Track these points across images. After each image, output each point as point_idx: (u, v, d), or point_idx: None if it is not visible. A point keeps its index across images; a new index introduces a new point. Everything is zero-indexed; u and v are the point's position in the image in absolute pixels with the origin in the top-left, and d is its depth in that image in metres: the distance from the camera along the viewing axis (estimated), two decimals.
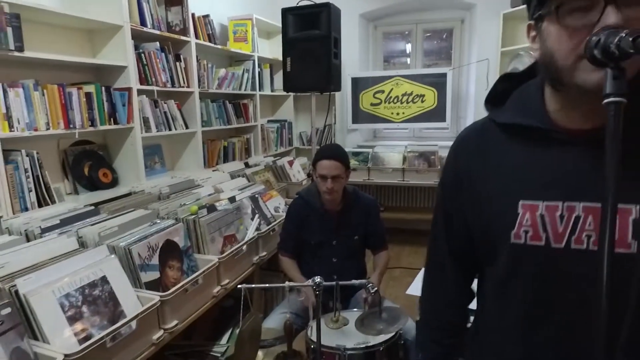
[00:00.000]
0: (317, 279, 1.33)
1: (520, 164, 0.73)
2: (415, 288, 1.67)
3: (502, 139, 0.76)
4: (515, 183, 0.73)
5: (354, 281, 1.44)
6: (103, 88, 2.26)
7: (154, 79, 2.61)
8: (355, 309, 1.82)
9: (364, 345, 1.52)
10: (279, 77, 4.09)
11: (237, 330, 1.39)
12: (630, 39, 0.50)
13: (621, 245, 0.64)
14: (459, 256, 0.87)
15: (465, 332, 0.94)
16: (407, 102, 4.36)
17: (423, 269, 1.92)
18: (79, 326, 1.28)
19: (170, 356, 1.85)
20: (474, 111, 4.40)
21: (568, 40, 0.60)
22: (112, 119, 2.32)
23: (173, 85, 2.77)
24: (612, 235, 0.50)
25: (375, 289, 1.48)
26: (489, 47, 4.03)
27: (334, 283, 1.34)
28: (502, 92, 0.79)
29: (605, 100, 0.51)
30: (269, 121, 4.28)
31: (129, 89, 2.39)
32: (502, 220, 0.73)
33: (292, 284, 1.41)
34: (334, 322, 1.63)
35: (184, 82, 2.88)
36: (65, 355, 1.16)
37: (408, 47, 4.83)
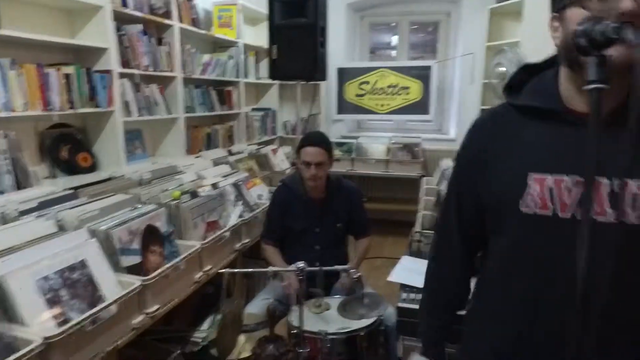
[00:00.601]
0: (300, 264, 1.34)
1: (532, 141, 0.79)
2: (396, 276, 1.69)
3: (517, 119, 0.81)
4: (526, 157, 0.78)
5: (337, 267, 1.45)
6: (83, 70, 2.20)
7: (135, 63, 2.55)
8: (337, 296, 1.84)
9: (345, 330, 1.54)
10: (264, 65, 4.06)
11: (218, 316, 1.39)
12: (614, 26, 0.52)
13: (625, 216, 0.69)
14: (467, 231, 0.93)
15: (461, 317, 0.99)
16: (392, 94, 4.38)
17: (403, 257, 1.95)
18: (57, 309, 1.26)
19: (151, 341, 1.84)
20: (458, 104, 4.44)
21: None
22: (92, 102, 2.26)
23: (155, 69, 2.72)
24: (590, 204, 0.55)
25: (358, 274, 1.50)
26: (474, 42, 4.06)
27: (317, 269, 1.35)
28: (519, 81, 0.85)
29: (588, 87, 0.54)
30: (253, 109, 4.25)
31: (110, 72, 2.33)
32: (512, 191, 0.78)
33: (275, 268, 1.41)
34: (316, 307, 1.64)
35: (167, 67, 2.83)
36: (45, 338, 1.14)
37: (394, 40, 4.84)
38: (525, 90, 0.83)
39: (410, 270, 1.68)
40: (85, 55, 2.34)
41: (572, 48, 0.64)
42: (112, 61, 2.33)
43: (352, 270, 1.47)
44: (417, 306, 1.33)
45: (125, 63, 2.48)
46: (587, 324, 0.57)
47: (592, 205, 0.55)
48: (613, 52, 0.56)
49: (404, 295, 1.58)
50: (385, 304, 1.52)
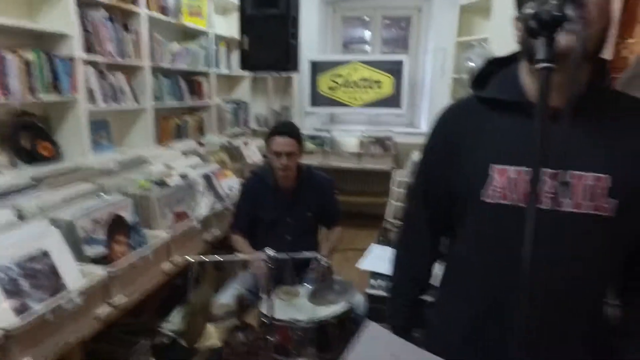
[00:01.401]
0: (269, 251, 1.33)
1: (496, 133, 0.81)
2: (366, 264, 1.71)
3: (482, 112, 0.84)
4: (489, 149, 0.81)
5: (305, 253, 1.45)
6: (44, 55, 2.11)
7: (100, 49, 2.47)
8: (307, 284, 1.84)
9: (316, 318, 1.55)
10: (235, 56, 4.00)
11: (187, 306, 1.38)
12: (555, 3, 0.55)
13: (576, 206, 0.74)
14: (433, 217, 0.95)
15: (425, 303, 1.02)
16: (365, 88, 4.41)
17: (372, 245, 1.97)
18: (17, 300, 1.22)
19: (118, 334, 1.80)
20: (429, 99, 4.52)
21: None
22: (54, 89, 2.17)
23: (122, 57, 2.64)
24: (535, 191, 0.56)
25: (327, 261, 1.51)
26: (445, 37, 4.12)
27: (286, 255, 1.35)
28: (485, 75, 0.87)
29: (537, 66, 0.55)
30: (225, 101, 4.18)
31: (73, 58, 2.25)
32: (476, 182, 0.81)
33: (243, 255, 1.40)
34: (285, 294, 1.64)
35: (134, 55, 2.75)
36: (5, 330, 1.10)
37: (367, 34, 4.86)
38: (490, 83, 0.85)
39: (380, 258, 1.71)
40: (46, 41, 2.24)
41: (528, 43, 0.66)
42: (75, 47, 2.25)
43: (320, 257, 1.48)
44: (386, 293, 1.36)
45: (89, 50, 2.40)
46: (530, 312, 0.59)
47: (536, 194, 0.56)
48: (560, 38, 0.57)
49: (373, 282, 1.60)
50: (355, 290, 1.53)
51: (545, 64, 0.55)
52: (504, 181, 0.77)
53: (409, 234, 1.03)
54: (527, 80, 0.80)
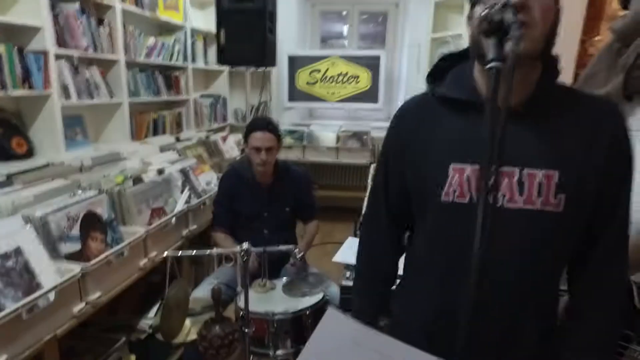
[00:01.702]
0: (245, 245, 1.36)
1: (452, 132, 0.83)
2: (340, 256, 1.76)
3: (439, 110, 0.85)
4: (447, 148, 0.82)
5: (280, 247, 1.48)
6: (15, 49, 2.07)
7: (73, 43, 2.43)
8: (284, 278, 1.88)
9: (291, 310, 1.58)
10: (213, 51, 3.98)
11: (163, 301, 1.39)
12: (498, 8, 0.59)
13: (529, 202, 0.76)
14: (394, 213, 0.97)
15: (392, 291, 1.04)
16: (342, 82, 4.45)
17: (348, 239, 2.01)
18: None
19: (95, 331, 1.80)
20: (405, 94, 4.58)
21: None
22: (26, 84, 2.14)
23: (95, 51, 2.60)
24: (486, 188, 0.59)
25: (302, 254, 1.54)
26: (420, 33, 4.19)
27: (261, 249, 1.38)
28: (441, 70, 0.88)
29: (488, 65, 0.59)
30: (202, 96, 4.16)
31: (45, 52, 2.21)
32: (434, 181, 0.82)
33: (219, 250, 1.43)
34: (261, 287, 1.67)
35: (109, 49, 2.71)
36: None
37: (345, 29, 4.89)
38: (446, 80, 0.86)
39: (354, 251, 1.75)
40: (17, 35, 2.19)
41: (479, 43, 0.69)
42: (47, 41, 2.21)
43: (295, 251, 1.51)
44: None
45: (62, 44, 2.36)
46: (480, 308, 0.61)
47: (491, 191, 0.59)
48: (507, 45, 0.60)
49: (347, 273, 1.65)
50: (330, 282, 1.58)
51: (495, 64, 0.58)
52: (461, 180, 0.79)
53: (371, 231, 1.04)
54: (480, 78, 0.81)
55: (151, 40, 3.18)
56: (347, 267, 1.72)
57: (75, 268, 1.44)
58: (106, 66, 2.78)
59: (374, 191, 1.02)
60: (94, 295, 1.52)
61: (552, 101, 0.79)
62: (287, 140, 4.24)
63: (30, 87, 2.16)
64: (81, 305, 1.48)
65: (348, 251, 1.81)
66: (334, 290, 1.73)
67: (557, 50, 0.79)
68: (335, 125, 4.47)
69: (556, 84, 0.81)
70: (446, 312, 0.85)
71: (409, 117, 0.92)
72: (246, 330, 1.42)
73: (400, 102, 4.34)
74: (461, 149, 0.80)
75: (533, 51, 0.71)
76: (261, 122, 2.04)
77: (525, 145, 0.77)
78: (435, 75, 0.89)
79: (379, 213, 0.99)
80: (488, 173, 0.59)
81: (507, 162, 0.77)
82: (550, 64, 0.80)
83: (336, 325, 0.74)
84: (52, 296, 1.34)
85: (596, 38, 2.45)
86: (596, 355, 0.84)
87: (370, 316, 1.01)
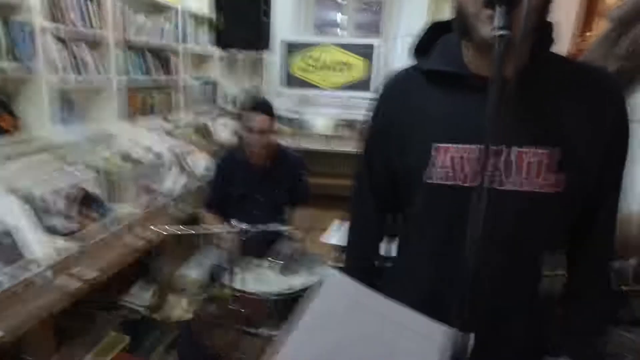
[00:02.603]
0: (235, 223, 1.33)
1: (438, 109, 0.77)
2: (329, 237, 1.76)
3: (424, 85, 0.80)
4: (431, 127, 0.77)
5: (276, 225, 1.46)
6: (1, 21, 1.99)
7: (62, 17, 2.35)
8: (278, 258, 1.85)
9: (287, 291, 1.57)
10: (205, 33, 3.90)
11: (156, 280, 1.37)
12: None
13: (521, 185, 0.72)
14: (378, 198, 0.92)
15: (380, 272, 0.99)
16: (337, 70, 4.41)
17: (335, 221, 2.00)
18: None
19: (89, 310, 1.76)
20: None
21: None
22: (12, 57, 2.06)
23: (85, 27, 2.52)
24: (485, 169, 0.56)
25: (299, 235, 1.53)
26: (416, 22, 4.16)
27: (257, 228, 1.36)
28: (427, 42, 0.83)
29: (494, 33, 0.56)
30: (194, 78, 4.08)
31: (32, 25, 2.13)
32: (417, 162, 0.77)
33: (206, 228, 1.40)
34: (253, 266, 1.65)
35: (99, 26, 2.63)
36: None
37: (339, 17, 4.85)
38: (432, 53, 0.81)
39: (342, 233, 1.75)
40: (3, 7, 2.11)
41: (463, 20, 0.67)
42: (34, 14, 2.13)
43: (291, 232, 1.50)
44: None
45: (50, 17, 2.28)
46: (472, 291, 0.59)
47: (485, 172, 0.55)
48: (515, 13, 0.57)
49: (336, 254, 1.63)
50: (323, 264, 1.57)
51: (504, 32, 0.55)
52: (447, 160, 0.74)
53: (356, 215, 0.99)
54: (465, 50, 0.76)
55: (142, 19, 3.10)
56: (336, 248, 1.71)
57: (68, 245, 1.41)
58: (96, 44, 2.70)
59: (358, 175, 0.96)
60: (87, 273, 1.49)
61: (547, 72, 0.73)
62: (280, 126, 4.20)
63: (17, 60, 2.08)
64: (74, 282, 1.44)
65: (336, 234, 1.81)
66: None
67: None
68: (329, 113, 4.44)
69: (551, 53, 0.76)
70: (439, 293, 0.81)
71: (393, 95, 0.86)
72: (241, 310, 1.40)
73: None
74: (446, 129, 0.75)
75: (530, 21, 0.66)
76: (258, 104, 2.00)
77: (518, 122, 0.70)
78: (420, 48, 0.83)
79: (363, 197, 0.94)
80: (487, 153, 0.55)
81: (498, 141, 0.70)
82: (545, 32, 0.74)
83: (339, 288, 0.72)
84: (46, 272, 1.31)
85: (589, 34, 2.46)
86: (595, 333, 0.84)
87: None
